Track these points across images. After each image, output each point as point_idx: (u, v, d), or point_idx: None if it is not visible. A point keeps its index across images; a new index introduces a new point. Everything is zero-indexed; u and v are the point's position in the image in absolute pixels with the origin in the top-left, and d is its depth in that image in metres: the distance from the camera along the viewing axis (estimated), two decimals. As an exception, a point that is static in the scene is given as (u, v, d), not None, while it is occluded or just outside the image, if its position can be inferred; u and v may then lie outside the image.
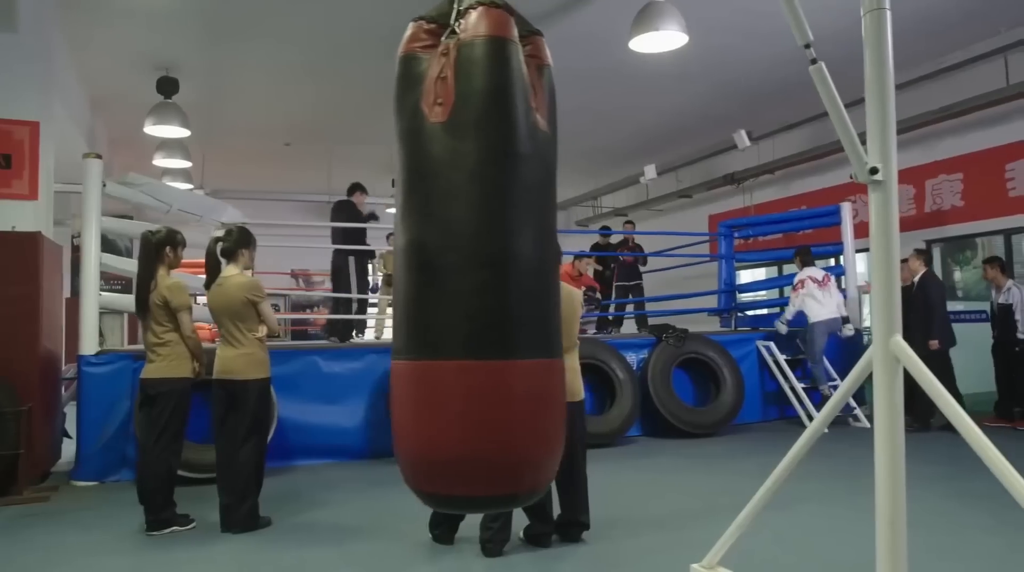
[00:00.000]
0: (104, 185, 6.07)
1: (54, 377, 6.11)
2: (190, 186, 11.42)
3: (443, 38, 1.87)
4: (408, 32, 1.93)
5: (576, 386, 3.92)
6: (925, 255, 7.73)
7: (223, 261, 4.38)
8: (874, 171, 2.45)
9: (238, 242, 4.38)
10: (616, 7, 6.96)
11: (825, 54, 8.95)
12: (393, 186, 8.72)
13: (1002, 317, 7.73)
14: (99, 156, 6.08)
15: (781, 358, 8.21)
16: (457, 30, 1.85)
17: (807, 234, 11.04)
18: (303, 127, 11.10)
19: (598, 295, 9.20)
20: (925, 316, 7.42)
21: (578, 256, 9.39)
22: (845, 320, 8.02)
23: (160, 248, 4.42)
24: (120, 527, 4.43)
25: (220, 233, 4.50)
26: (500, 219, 1.78)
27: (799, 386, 8.01)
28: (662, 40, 6.24)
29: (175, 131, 8.36)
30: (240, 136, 11.32)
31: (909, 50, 7.93)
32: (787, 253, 10.56)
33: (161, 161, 9.54)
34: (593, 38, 7.77)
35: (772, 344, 8.37)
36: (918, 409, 8.23)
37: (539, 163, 1.87)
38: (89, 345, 5.93)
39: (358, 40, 7.88)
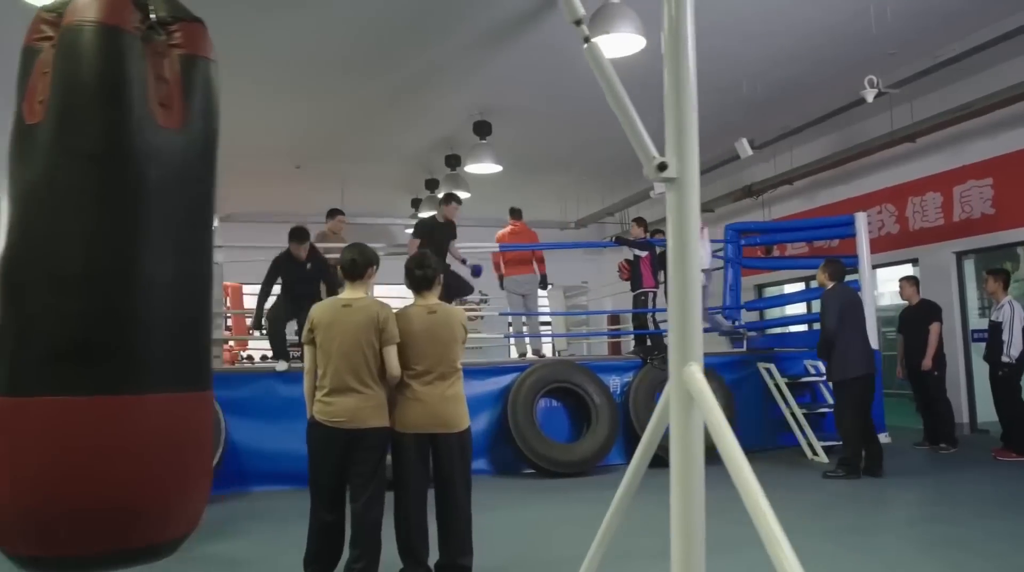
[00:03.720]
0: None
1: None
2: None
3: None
4: (31, 22, 1.70)
5: (454, 414, 3.59)
6: (832, 268, 6.58)
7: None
8: (663, 167, 2.07)
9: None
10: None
11: (823, 51, 8.08)
12: (412, 206, 8.36)
13: (991, 336, 6.97)
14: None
15: (781, 381, 7.61)
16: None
17: (832, 247, 10.38)
18: (312, 149, 11.15)
19: None
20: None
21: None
22: None
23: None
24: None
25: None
26: (91, 229, 1.52)
27: (799, 412, 7.39)
28: (617, 44, 5.88)
29: (163, 155, 8.44)
30: (249, 161, 11.43)
31: (918, 37, 7.27)
32: (811, 262, 9.95)
33: (163, 186, 9.68)
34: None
35: (772, 366, 7.77)
36: (941, 431, 7.53)
37: (158, 166, 1.60)
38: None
39: (350, 57, 7.79)
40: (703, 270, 7.68)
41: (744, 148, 8.52)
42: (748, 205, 11.93)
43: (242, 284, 12.63)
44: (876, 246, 9.78)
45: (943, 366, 7.67)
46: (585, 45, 2.13)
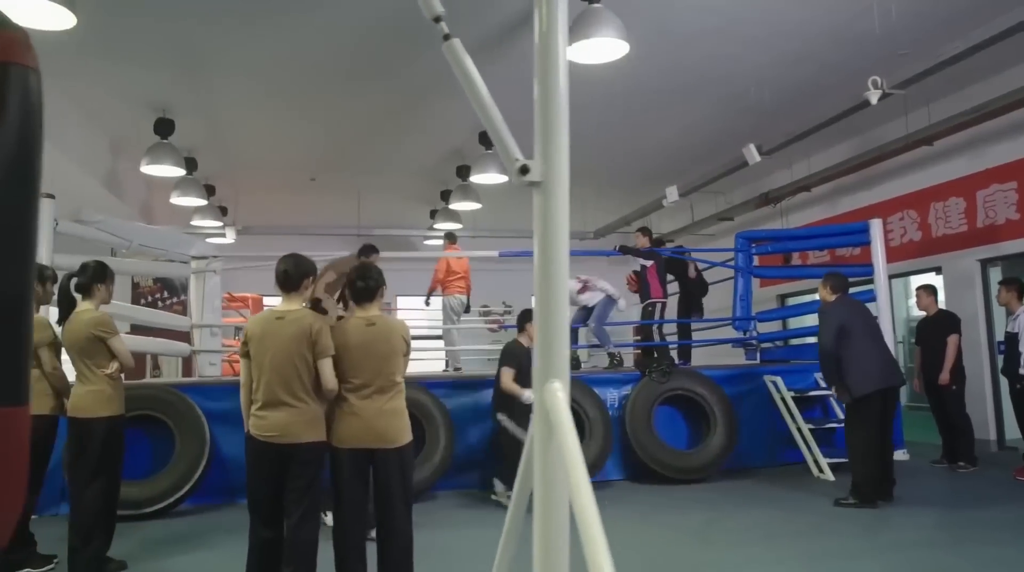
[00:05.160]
0: (56, 223, 6.25)
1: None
2: (219, 223, 11.78)
3: None
4: None
5: (392, 429, 3.48)
6: (833, 280, 6.08)
7: (78, 297, 4.29)
8: (525, 170, 1.94)
9: (92, 277, 4.28)
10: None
11: (829, 54, 7.69)
12: (431, 218, 8.36)
13: (1008, 348, 6.55)
14: (51, 196, 6.26)
15: (787, 394, 7.32)
16: None
17: (854, 254, 9.99)
18: (326, 161, 11.23)
19: None
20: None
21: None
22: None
23: (26, 284, 4.39)
24: (-16, 567, 4.37)
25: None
26: None
27: (805, 427, 7.09)
28: (598, 49, 5.74)
29: (170, 170, 8.59)
30: (265, 173, 11.61)
31: (926, 36, 6.94)
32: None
33: (177, 199, 9.86)
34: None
35: (779, 379, 7.48)
36: (960, 449, 7.15)
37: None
38: (34, 380, 6.04)
39: (356, 68, 7.79)
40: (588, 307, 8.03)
41: (752, 154, 8.27)
42: (768, 214, 11.61)
43: (262, 295, 12.78)
44: (898, 254, 9.42)
45: (962, 380, 7.28)
46: (444, 43, 2.04)
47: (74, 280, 4.29)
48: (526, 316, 6.16)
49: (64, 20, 4.89)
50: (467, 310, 9.32)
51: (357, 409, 3.46)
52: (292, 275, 3.52)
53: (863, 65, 7.13)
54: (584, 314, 8.43)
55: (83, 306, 4.25)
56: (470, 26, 6.77)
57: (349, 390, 3.48)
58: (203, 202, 10.35)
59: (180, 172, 8.76)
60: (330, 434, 3.49)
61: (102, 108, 8.54)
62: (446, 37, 2.02)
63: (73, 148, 8.51)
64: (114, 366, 4.19)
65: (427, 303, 9.55)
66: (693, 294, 8.97)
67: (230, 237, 12.09)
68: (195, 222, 11.39)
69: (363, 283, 3.61)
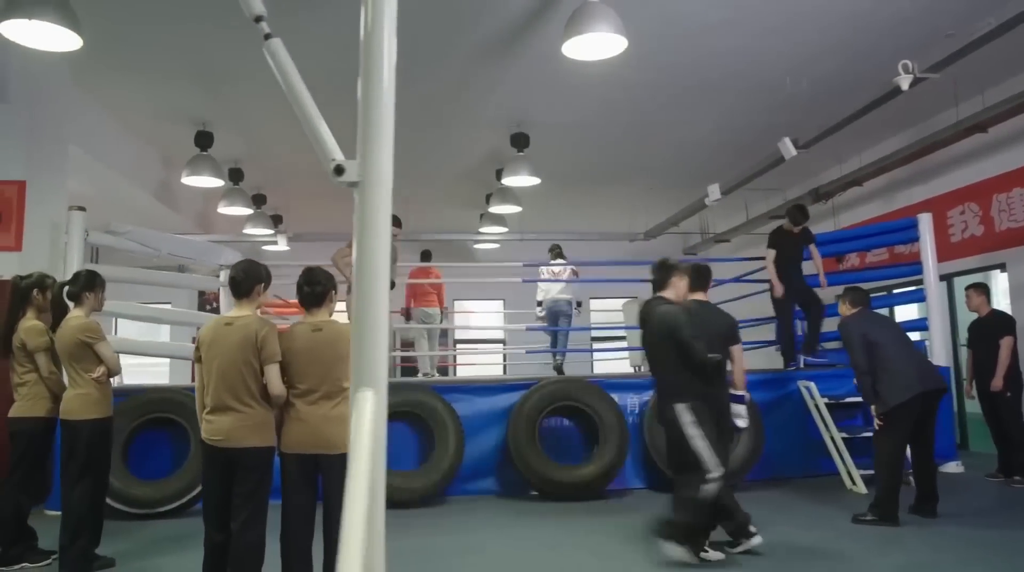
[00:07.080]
0: (87, 234, 6.59)
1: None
2: (271, 231, 12.16)
3: None
4: None
5: (337, 435, 3.45)
6: (853, 294, 5.71)
7: (71, 304, 4.50)
8: (340, 170, 1.88)
9: (83, 286, 4.47)
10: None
11: (858, 43, 7.28)
12: (481, 220, 8.65)
13: None
14: (82, 208, 6.61)
15: (821, 401, 6.90)
16: None
17: (914, 252, 9.34)
18: (371, 168, 11.41)
19: None
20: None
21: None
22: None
23: (28, 292, 4.64)
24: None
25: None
26: None
27: (838, 435, 6.66)
28: (596, 45, 5.58)
29: (211, 181, 8.93)
30: (315, 182, 11.87)
31: (971, 5, 6.42)
32: (880, 273, 9.07)
33: (224, 209, 10.25)
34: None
35: (813, 384, 7.07)
36: (1015, 461, 6.58)
37: None
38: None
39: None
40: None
41: (787, 148, 7.87)
42: (821, 211, 11.04)
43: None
44: (959, 250, 8.80)
45: (1018, 387, 6.68)
46: (265, 42, 2.01)
47: (66, 288, 4.50)
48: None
49: (71, 42, 5.13)
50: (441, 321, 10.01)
51: (303, 415, 3.47)
52: (241, 282, 3.57)
53: (898, 50, 6.66)
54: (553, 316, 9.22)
55: (74, 313, 4.45)
56: (478, 25, 6.72)
57: (296, 396, 3.49)
58: (250, 211, 10.71)
59: (220, 183, 9.10)
60: (279, 439, 3.51)
61: (147, 123, 8.97)
62: (267, 36, 1.99)
63: (122, 162, 8.97)
64: (101, 370, 4.36)
65: (406, 316, 9.92)
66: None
67: (282, 245, 12.47)
68: (247, 230, 11.81)
69: (309, 288, 3.62)
